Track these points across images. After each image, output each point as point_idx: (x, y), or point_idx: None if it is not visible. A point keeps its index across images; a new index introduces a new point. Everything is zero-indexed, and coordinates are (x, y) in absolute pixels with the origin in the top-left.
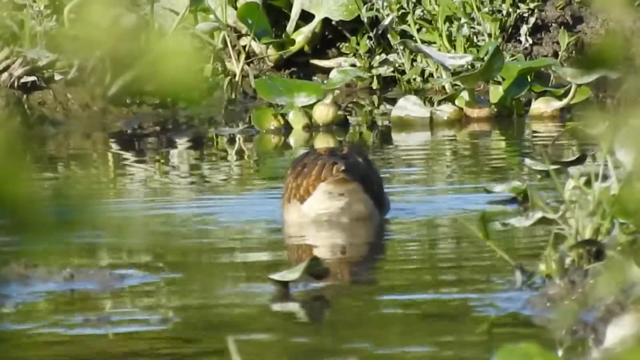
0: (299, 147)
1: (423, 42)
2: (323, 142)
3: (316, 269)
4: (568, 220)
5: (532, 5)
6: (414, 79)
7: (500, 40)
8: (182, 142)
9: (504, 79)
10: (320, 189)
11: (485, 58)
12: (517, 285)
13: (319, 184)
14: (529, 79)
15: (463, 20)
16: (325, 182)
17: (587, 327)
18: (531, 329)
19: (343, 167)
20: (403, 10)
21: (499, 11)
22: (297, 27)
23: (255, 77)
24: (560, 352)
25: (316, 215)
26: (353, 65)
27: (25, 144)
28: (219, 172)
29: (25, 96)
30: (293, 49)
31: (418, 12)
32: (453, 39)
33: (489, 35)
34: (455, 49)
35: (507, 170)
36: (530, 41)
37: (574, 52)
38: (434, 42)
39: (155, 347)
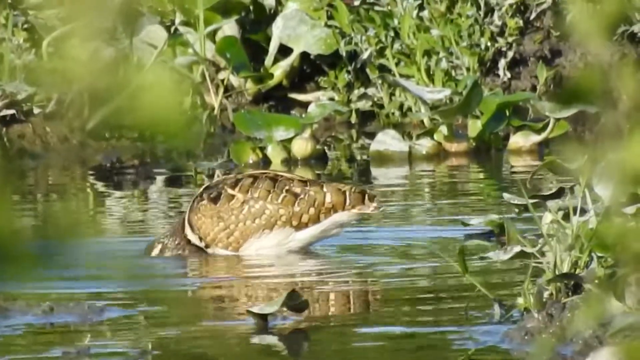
0: None
1: (401, 76)
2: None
3: (295, 302)
4: (546, 254)
5: (510, 40)
6: (393, 113)
7: (478, 74)
8: (161, 176)
9: (482, 113)
10: (337, 217)
11: (464, 92)
12: (496, 318)
13: (339, 211)
14: (507, 113)
15: (441, 54)
16: (352, 209)
17: None
18: None
19: (375, 195)
20: (381, 45)
21: (478, 45)
22: (276, 61)
23: (234, 110)
24: None
25: (305, 245)
26: (331, 99)
27: (5, 177)
28: None
29: (4, 129)
30: (271, 82)
31: (396, 46)
32: (431, 73)
33: (468, 69)
34: (433, 83)
35: (485, 204)
36: (509, 75)
37: (552, 86)
38: (413, 76)
39: None
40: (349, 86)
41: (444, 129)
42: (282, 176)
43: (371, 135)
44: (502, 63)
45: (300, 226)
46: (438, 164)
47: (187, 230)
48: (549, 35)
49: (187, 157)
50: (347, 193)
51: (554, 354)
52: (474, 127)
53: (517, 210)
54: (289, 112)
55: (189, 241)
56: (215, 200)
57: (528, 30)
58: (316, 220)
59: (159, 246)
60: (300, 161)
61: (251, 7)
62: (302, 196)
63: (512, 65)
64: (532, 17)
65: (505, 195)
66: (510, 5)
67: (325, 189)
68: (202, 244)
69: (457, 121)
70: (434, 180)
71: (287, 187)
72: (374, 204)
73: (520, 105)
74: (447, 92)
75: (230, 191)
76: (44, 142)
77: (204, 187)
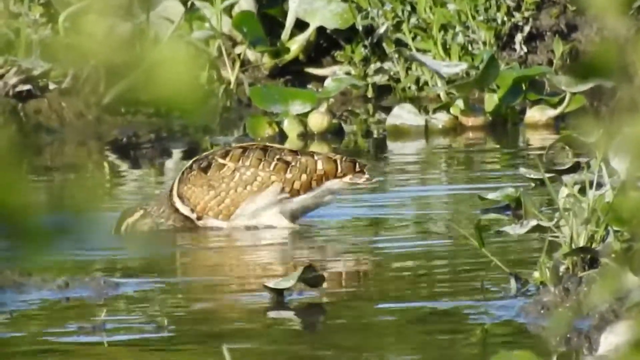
0: None
1: (418, 50)
2: (318, 150)
3: (310, 277)
4: (562, 228)
5: (526, 14)
6: (409, 87)
7: (495, 48)
8: (177, 151)
9: (498, 87)
10: (329, 184)
11: (480, 66)
12: (512, 292)
13: (331, 178)
14: (524, 88)
15: (458, 28)
16: (344, 178)
17: (581, 334)
18: (525, 336)
19: (365, 165)
20: (398, 19)
21: (494, 19)
22: (292, 35)
23: (250, 85)
24: None
25: (298, 212)
26: (348, 73)
27: (21, 152)
28: None
29: (20, 105)
30: (288, 57)
31: (413, 20)
32: (448, 47)
33: (484, 43)
34: (450, 57)
35: (502, 178)
36: (525, 49)
37: (568, 60)
38: (429, 51)
39: (150, 355)
40: (366, 60)
41: (460, 103)
42: (272, 146)
43: (387, 110)
44: (519, 37)
45: (292, 193)
46: (454, 138)
47: (176, 201)
48: (565, 9)
49: (204, 132)
50: (338, 161)
51: (571, 328)
52: (491, 101)
53: (533, 184)
54: (306, 86)
55: (176, 210)
56: (205, 169)
57: (544, 5)
58: (308, 187)
59: (140, 212)
60: (317, 135)
61: None
62: (293, 164)
63: (529, 39)
64: None
65: (522, 170)
66: None
67: (316, 157)
68: (193, 215)
69: (473, 95)
70: (450, 154)
71: (278, 156)
72: (367, 175)
73: (536, 79)
74: (464, 66)
75: (220, 160)
76: (60, 117)
77: (193, 159)
